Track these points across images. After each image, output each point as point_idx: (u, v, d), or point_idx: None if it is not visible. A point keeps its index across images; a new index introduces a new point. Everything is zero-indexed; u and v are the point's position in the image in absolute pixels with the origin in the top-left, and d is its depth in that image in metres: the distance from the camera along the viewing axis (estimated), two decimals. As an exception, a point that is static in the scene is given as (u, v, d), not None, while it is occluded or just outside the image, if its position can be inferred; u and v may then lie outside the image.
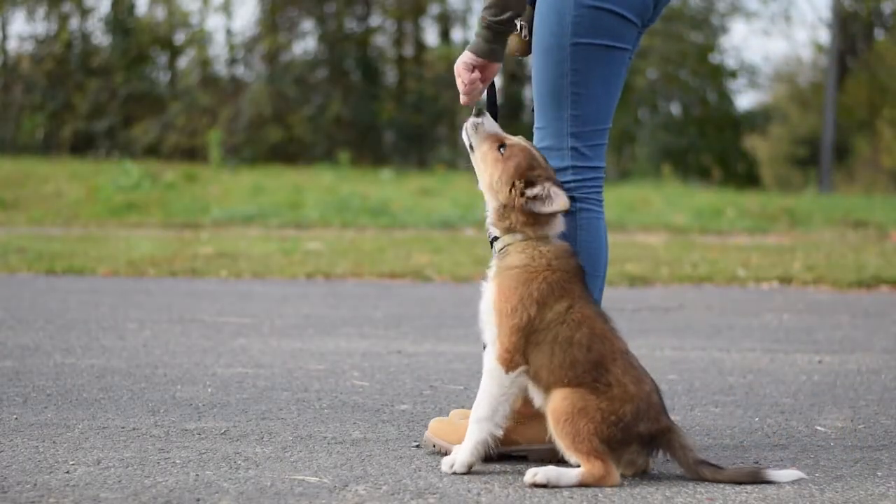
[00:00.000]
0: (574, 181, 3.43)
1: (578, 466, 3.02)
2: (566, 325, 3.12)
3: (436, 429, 3.43)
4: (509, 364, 3.09)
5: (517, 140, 3.29)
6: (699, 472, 3.08)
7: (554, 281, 3.14)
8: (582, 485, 2.99)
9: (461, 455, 3.14)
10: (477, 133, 3.32)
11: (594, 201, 3.49)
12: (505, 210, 3.21)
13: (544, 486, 2.99)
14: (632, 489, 3.00)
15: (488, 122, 3.33)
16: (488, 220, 3.27)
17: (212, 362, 5.11)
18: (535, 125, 3.49)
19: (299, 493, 2.90)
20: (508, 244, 3.20)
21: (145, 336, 5.94)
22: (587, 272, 3.36)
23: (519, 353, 3.09)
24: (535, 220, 3.19)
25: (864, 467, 3.30)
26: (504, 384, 3.10)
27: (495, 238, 3.28)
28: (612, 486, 3.01)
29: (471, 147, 3.34)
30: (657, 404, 3.10)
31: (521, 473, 3.13)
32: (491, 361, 3.13)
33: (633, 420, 3.03)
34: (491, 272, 3.21)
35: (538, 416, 3.21)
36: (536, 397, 3.15)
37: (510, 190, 3.19)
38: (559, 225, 3.23)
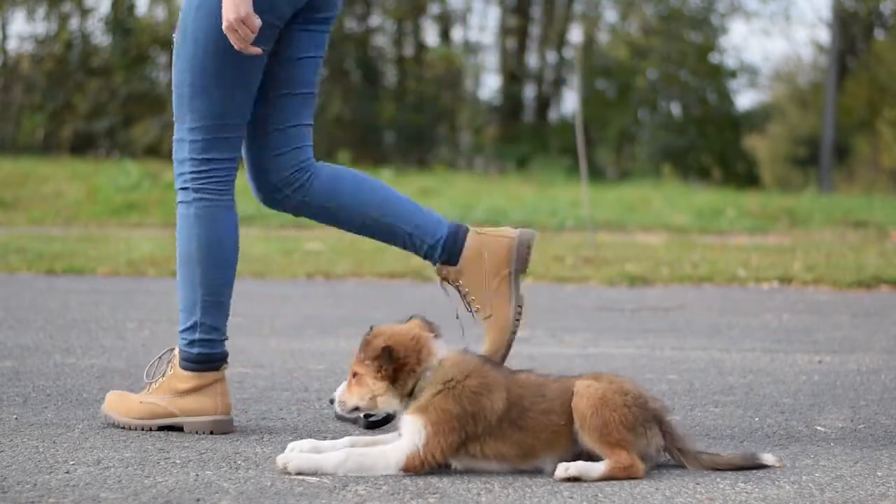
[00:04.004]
0: (192, 172, 3.54)
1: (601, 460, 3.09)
2: (515, 406, 3.12)
3: (110, 401, 3.68)
4: (412, 472, 3.08)
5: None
6: (700, 460, 3.18)
7: (474, 387, 3.11)
8: (610, 477, 3.03)
9: (329, 465, 3.09)
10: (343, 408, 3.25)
11: (214, 191, 3.56)
12: (398, 384, 3.14)
13: (577, 479, 3.02)
14: (632, 489, 3.00)
15: (338, 405, 3.24)
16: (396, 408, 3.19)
17: (212, 362, 5.10)
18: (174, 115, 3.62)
19: (299, 493, 2.90)
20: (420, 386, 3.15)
21: (145, 336, 5.94)
22: (210, 262, 3.54)
23: (431, 468, 3.09)
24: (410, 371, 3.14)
25: (864, 467, 3.30)
26: (387, 472, 3.07)
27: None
28: (637, 478, 3.05)
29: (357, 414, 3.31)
30: (633, 382, 3.24)
31: (521, 473, 3.13)
32: (400, 457, 3.07)
33: (640, 394, 3.13)
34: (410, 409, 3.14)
35: (196, 390, 3.54)
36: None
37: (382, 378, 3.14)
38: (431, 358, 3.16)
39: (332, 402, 3.23)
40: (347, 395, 3.19)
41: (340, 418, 3.84)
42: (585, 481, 3.03)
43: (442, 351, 3.17)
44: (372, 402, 3.16)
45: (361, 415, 3.74)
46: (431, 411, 3.07)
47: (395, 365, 3.10)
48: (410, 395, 3.13)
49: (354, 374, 3.18)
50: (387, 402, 3.16)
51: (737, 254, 11.46)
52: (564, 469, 3.04)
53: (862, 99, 33.13)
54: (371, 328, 3.21)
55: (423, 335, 3.17)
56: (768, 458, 3.22)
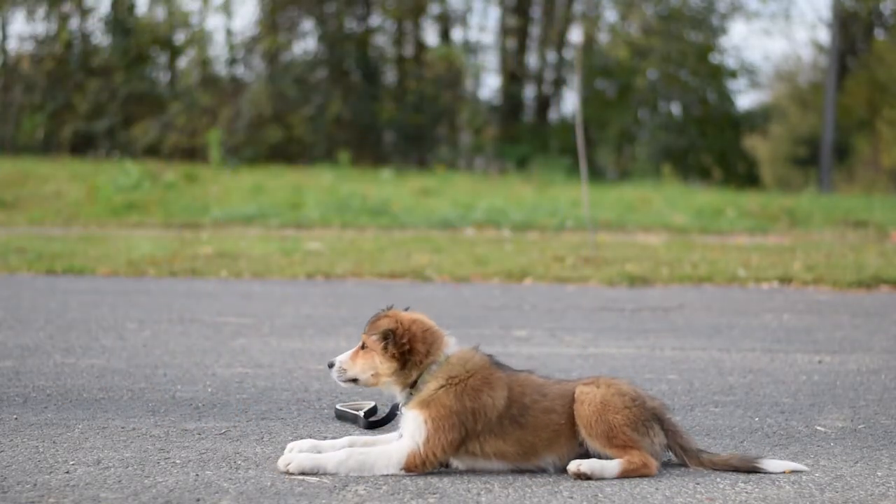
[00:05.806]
0: None
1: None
2: (515, 404, 3.17)
3: None
4: (413, 470, 3.10)
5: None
6: (700, 458, 3.22)
7: (476, 385, 3.16)
8: (624, 475, 3.07)
9: (331, 464, 3.11)
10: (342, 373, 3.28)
11: None
12: (404, 371, 3.20)
13: (588, 477, 3.05)
14: (632, 489, 3.00)
15: (336, 371, 3.27)
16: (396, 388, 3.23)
17: (212, 362, 5.11)
18: None
19: (299, 493, 2.90)
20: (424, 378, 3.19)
21: (145, 336, 5.93)
22: None
23: (433, 467, 3.11)
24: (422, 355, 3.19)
25: (864, 467, 3.30)
26: (388, 472, 3.10)
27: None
28: (651, 476, 3.10)
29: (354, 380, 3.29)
30: (630, 383, 3.31)
31: (521, 473, 3.14)
32: (401, 455, 3.10)
33: (637, 394, 3.19)
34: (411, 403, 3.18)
35: None
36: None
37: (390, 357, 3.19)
38: (444, 347, 3.21)
39: (331, 365, 3.24)
40: (350, 364, 3.23)
41: (340, 417, 3.84)
42: (598, 479, 3.05)
43: (452, 347, 3.22)
44: (374, 378, 3.21)
45: (361, 413, 3.75)
46: (433, 407, 3.10)
47: (401, 348, 3.14)
48: (413, 385, 3.16)
49: (363, 346, 3.22)
50: (388, 385, 3.21)
51: (737, 254, 11.46)
52: (577, 465, 3.07)
53: (862, 99, 33.13)
54: (388, 307, 3.25)
55: (438, 330, 3.23)
56: (772, 464, 3.21)
